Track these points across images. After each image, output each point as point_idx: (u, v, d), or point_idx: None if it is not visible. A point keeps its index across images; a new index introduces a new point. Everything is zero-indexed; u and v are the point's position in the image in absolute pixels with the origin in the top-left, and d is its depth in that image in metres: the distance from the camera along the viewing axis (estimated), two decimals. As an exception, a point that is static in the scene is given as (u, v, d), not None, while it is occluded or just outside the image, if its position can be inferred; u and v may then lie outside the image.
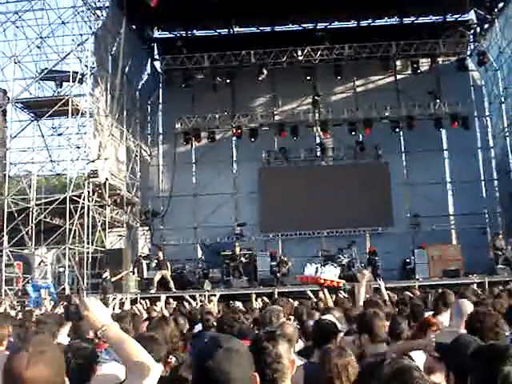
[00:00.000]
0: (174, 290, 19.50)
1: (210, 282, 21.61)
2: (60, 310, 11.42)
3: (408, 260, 23.69)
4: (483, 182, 27.97)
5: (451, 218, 27.90)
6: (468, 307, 4.89)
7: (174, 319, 5.89)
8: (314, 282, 9.48)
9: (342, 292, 12.18)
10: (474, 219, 26.47)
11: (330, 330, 4.67)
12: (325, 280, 9.15)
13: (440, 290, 8.36)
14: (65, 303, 13.17)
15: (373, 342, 4.40)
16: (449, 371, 2.94)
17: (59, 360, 2.32)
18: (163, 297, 11.28)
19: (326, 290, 8.58)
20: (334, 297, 10.43)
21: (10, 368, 2.18)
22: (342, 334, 4.83)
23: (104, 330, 2.65)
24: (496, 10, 25.70)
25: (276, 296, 14.15)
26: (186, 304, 11.73)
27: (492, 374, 2.07)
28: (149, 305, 11.04)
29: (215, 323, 6.58)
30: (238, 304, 12.94)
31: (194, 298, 12.64)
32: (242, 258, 22.51)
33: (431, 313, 6.69)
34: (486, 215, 27.51)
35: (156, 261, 21.24)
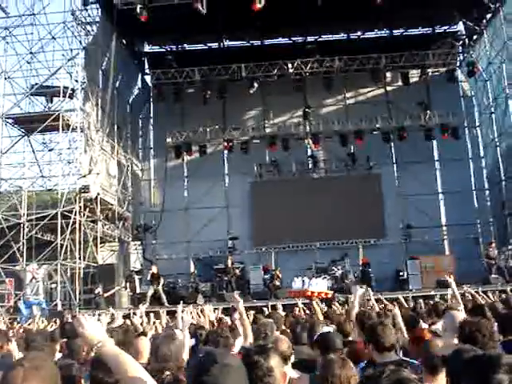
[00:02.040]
0: (166, 304, 19.40)
1: (202, 296, 21.52)
2: (52, 326, 11.31)
3: (401, 271, 23.70)
4: (475, 192, 28.06)
5: (443, 228, 27.96)
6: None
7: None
8: (302, 296, 9.45)
9: (336, 304, 12.14)
10: (467, 229, 26.55)
11: (336, 343, 4.67)
12: (312, 292, 9.14)
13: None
14: (57, 320, 13.06)
15: (380, 352, 4.37)
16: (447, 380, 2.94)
17: (54, 376, 2.31)
18: (143, 308, 11.15)
19: (314, 303, 8.54)
20: (326, 309, 10.39)
21: (6, 383, 2.18)
22: None
23: (99, 346, 2.66)
24: (484, 21, 25.89)
25: (270, 309, 14.09)
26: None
27: (484, 383, 2.06)
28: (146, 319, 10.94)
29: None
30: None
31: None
32: (236, 271, 22.47)
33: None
34: (479, 225, 27.58)
35: (150, 275, 21.18)
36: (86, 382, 4.04)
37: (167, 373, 4.15)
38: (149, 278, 21.10)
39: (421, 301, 14.07)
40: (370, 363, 4.36)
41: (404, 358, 4.52)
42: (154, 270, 21.23)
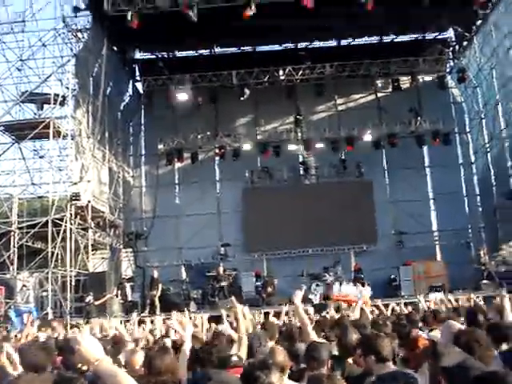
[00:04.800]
0: (157, 312, 19.32)
1: (194, 303, 21.44)
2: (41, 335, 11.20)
3: (393, 277, 23.70)
4: (466, 198, 28.16)
5: (435, 234, 28.02)
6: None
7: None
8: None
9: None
10: (458, 235, 26.59)
11: (324, 354, 4.54)
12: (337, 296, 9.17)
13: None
14: (48, 329, 12.95)
15: (379, 362, 4.28)
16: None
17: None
18: (134, 315, 11.10)
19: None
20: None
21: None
22: None
23: (96, 365, 2.68)
24: (474, 27, 26.00)
25: (262, 316, 14.00)
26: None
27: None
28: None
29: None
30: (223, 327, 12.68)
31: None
32: (229, 278, 22.38)
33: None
34: (470, 230, 27.66)
35: (150, 280, 21.37)
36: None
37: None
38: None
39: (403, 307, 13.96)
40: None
41: (401, 371, 4.44)
42: (155, 274, 21.31)
